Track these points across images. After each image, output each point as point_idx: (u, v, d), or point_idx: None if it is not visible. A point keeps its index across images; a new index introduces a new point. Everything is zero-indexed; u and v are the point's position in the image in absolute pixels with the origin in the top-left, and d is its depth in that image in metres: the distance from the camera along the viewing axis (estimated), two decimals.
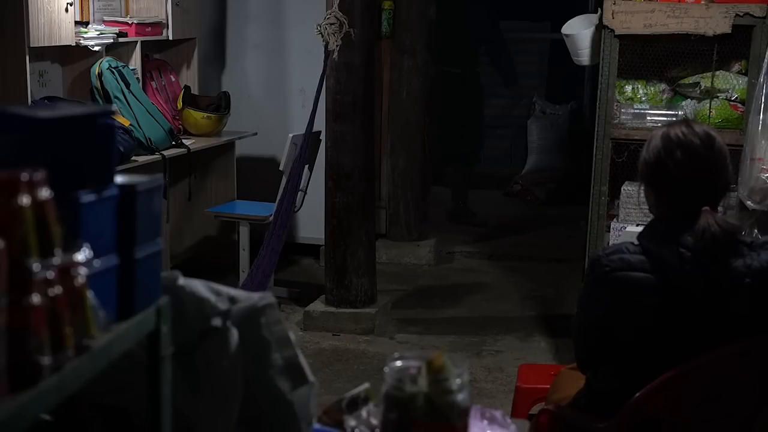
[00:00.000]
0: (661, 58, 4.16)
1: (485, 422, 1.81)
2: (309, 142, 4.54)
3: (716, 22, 3.96)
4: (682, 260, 1.97)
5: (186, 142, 5.08)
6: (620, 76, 4.16)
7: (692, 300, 1.99)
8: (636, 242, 2.07)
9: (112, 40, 4.80)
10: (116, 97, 4.70)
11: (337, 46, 4.30)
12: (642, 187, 2.15)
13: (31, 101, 4.30)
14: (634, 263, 2.01)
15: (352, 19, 4.35)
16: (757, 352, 2.01)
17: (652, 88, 4.22)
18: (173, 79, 5.46)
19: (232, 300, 1.55)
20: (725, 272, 1.96)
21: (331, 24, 4.28)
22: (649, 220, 2.16)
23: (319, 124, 4.69)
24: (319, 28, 4.33)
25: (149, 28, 5.10)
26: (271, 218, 4.60)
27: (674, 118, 4.06)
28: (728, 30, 3.96)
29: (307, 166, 4.89)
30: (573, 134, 8.04)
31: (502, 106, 8.69)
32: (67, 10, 4.37)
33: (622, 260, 2.02)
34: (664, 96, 4.24)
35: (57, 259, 1.11)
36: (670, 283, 1.99)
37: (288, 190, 4.52)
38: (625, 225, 3.94)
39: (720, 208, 2.11)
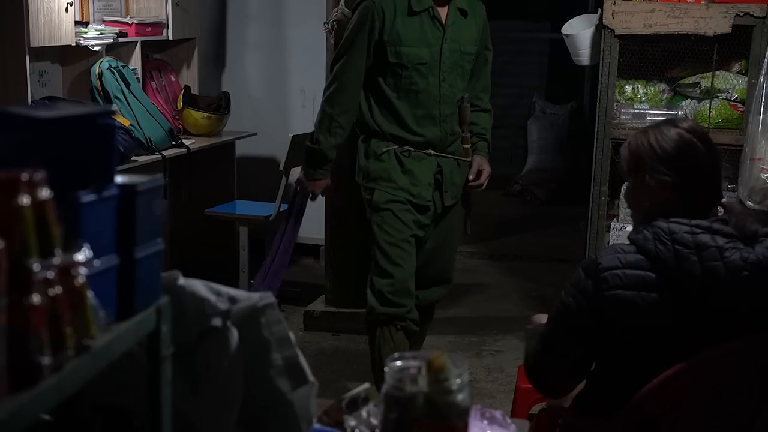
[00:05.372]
0: (661, 58, 4.17)
1: (485, 422, 1.81)
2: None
3: (716, 22, 3.96)
4: (678, 257, 1.96)
5: (186, 142, 5.08)
6: (620, 76, 4.17)
7: (691, 297, 1.98)
8: (629, 242, 2.07)
9: (112, 40, 4.80)
10: (116, 97, 4.70)
11: None
12: (644, 182, 2.12)
13: (31, 101, 4.30)
14: (632, 262, 2.01)
15: None
16: (756, 349, 2.01)
17: (652, 88, 4.23)
18: (173, 79, 5.46)
19: (232, 300, 1.55)
20: (723, 267, 1.96)
21: (338, 21, 4.28)
22: None
23: None
24: (326, 26, 4.32)
25: (149, 28, 5.10)
26: (282, 217, 4.57)
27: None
28: (728, 30, 3.96)
29: None
30: (573, 134, 8.05)
31: (502, 105, 8.70)
32: (67, 10, 4.37)
33: (619, 259, 2.02)
34: (664, 96, 4.25)
35: (57, 259, 1.11)
36: (668, 280, 1.99)
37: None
38: (625, 225, 3.94)
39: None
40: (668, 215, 2.03)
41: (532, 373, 2.23)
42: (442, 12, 3.38)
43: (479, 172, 3.51)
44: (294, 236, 4.22)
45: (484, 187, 3.56)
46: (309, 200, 3.61)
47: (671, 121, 2.17)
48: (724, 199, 2.11)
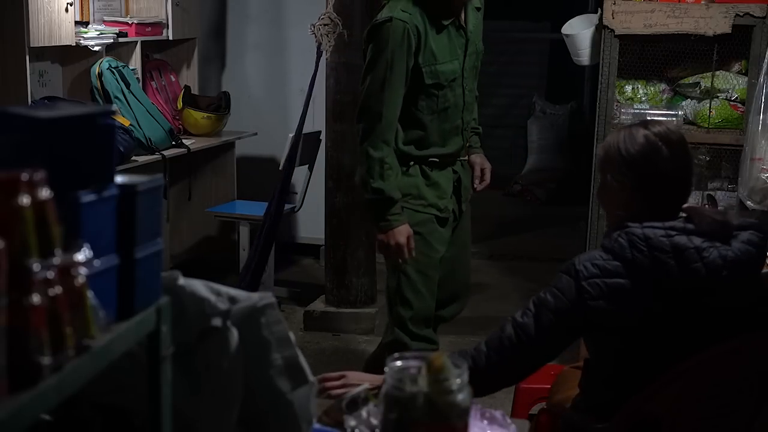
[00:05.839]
0: (661, 58, 4.17)
1: (485, 422, 1.81)
2: (300, 143, 4.53)
3: (716, 22, 3.96)
4: (657, 263, 1.96)
5: (186, 142, 5.09)
6: (620, 76, 4.17)
7: (672, 301, 1.98)
8: (602, 249, 2.05)
9: (112, 40, 4.80)
10: (116, 97, 4.70)
11: (330, 47, 4.29)
12: (610, 185, 2.12)
13: (31, 101, 4.30)
14: (611, 270, 2.00)
15: (352, 18, 4.35)
16: (752, 349, 2.01)
17: (652, 88, 4.23)
18: (173, 79, 5.46)
19: (232, 300, 1.55)
20: (703, 268, 1.95)
21: (325, 25, 4.28)
22: None
23: (320, 124, 4.69)
24: (312, 28, 4.32)
25: (149, 28, 5.10)
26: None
27: (673, 119, 4.06)
28: (728, 30, 3.96)
29: (307, 166, 4.89)
30: (573, 134, 8.05)
31: (502, 105, 8.71)
32: (67, 10, 4.37)
33: (598, 267, 2.01)
34: (664, 96, 4.25)
35: (57, 259, 1.11)
36: (649, 286, 1.98)
37: (278, 191, 4.48)
38: None
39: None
40: (635, 219, 2.02)
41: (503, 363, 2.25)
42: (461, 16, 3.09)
43: (482, 172, 3.32)
44: (270, 239, 4.25)
45: (489, 184, 3.36)
46: (402, 262, 3.12)
47: (643, 123, 2.14)
48: (686, 204, 2.08)
